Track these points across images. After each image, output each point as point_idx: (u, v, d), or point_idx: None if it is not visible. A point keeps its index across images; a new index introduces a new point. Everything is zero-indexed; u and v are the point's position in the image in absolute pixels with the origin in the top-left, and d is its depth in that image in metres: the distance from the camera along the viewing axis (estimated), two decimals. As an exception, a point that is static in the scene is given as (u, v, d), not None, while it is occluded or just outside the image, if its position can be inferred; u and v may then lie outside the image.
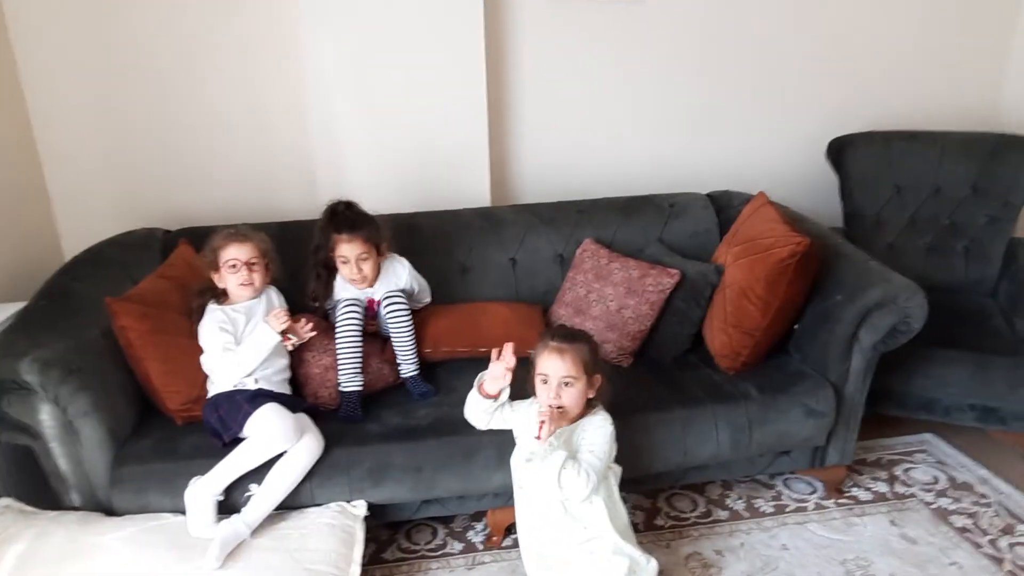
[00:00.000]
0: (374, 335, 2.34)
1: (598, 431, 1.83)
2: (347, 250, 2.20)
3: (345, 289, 2.28)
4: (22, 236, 2.48)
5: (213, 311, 2.10)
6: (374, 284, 2.29)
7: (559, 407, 1.77)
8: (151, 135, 2.63)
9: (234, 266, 2.08)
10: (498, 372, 1.82)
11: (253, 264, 2.11)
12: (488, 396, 1.86)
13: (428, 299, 2.45)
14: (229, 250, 2.09)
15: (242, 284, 2.09)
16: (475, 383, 1.90)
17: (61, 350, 1.85)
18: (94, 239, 2.38)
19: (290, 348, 2.13)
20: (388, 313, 2.22)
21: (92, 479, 1.92)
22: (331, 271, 2.28)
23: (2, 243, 2.37)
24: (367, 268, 2.22)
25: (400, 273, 2.33)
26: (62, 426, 1.86)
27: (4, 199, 2.39)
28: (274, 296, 2.22)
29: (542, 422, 1.70)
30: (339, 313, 2.19)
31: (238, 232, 2.13)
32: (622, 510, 1.91)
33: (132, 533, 1.81)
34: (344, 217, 2.23)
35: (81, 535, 1.81)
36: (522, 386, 1.87)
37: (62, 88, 2.52)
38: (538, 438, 1.70)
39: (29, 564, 1.74)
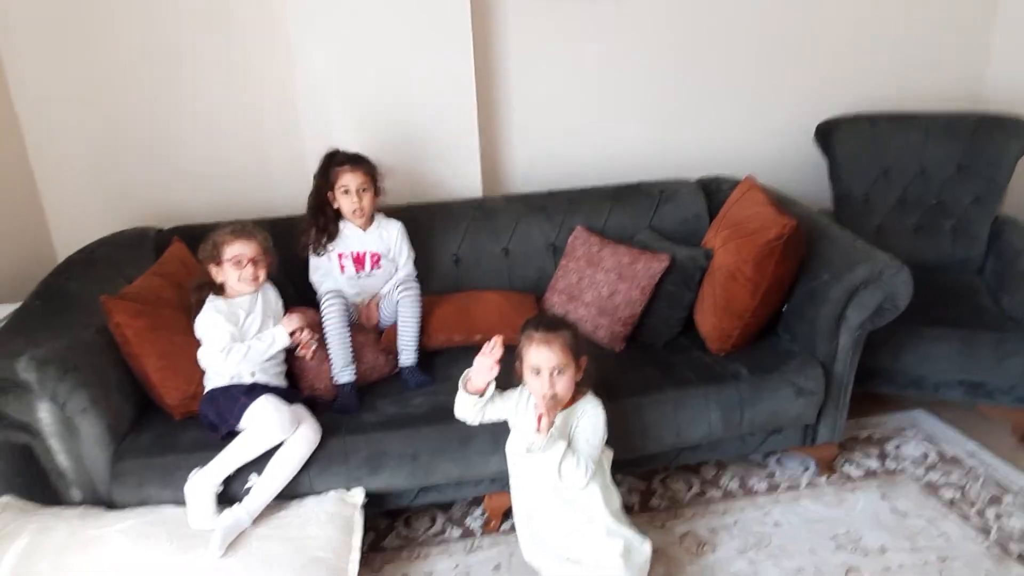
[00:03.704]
0: (372, 329, 2.37)
1: (591, 419, 1.85)
2: (349, 179, 2.28)
3: (343, 240, 2.34)
4: (15, 238, 2.49)
5: (214, 302, 2.11)
6: (368, 227, 2.37)
7: (554, 396, 1.79)
8: (141, 134, 2.64)
9: (239, 262, 2.10)
10: (485, 366, 1.82)
11: (258, 261, 2.13)
12: (475, 392, 1.87)
13: (411, 268, 2.46)
14: (235, 246, 2.10)
15: (245, 280, 2.11)
16: (460, 383, 1.90)
17: (57, 348, 1.87)
18: (86, 239, 2.39)
19: (310, 359, 2.16)
20: (402, 300, 2.27)
21: (92, 474, 1.95)
22: (336, 214, 2.35)
23: (-5, 245, 2.39)
24: (366, 200, 2.31)
25: (391, 229, 2.41)
26: (61, 423, 1.88)
27: (-4, 201, 2.41)
28: (271, 293, 2.24)
29: (540, 415, 1.72)
30: (322, 307, 2.22)
31: (244, 229, 2.14)
32: (616, 494, 1.95)
33: (133, 525, 1.83)
34: (346, 154, 2.33)
35: (82, 528, 1.83)
36: (510, 375, 1.90)
37: (51, 90, 2.53)
38: (538, 431, 1.72)
39: (32, 558, 1.76)
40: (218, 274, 2.13)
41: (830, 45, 3.12)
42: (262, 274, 2.15)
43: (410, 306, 2.27)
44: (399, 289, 2.29)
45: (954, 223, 2.91)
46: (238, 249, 2.10)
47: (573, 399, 1.87)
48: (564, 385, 1.80)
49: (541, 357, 1.79)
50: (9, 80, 2.50)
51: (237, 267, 2.10)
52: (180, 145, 2.69)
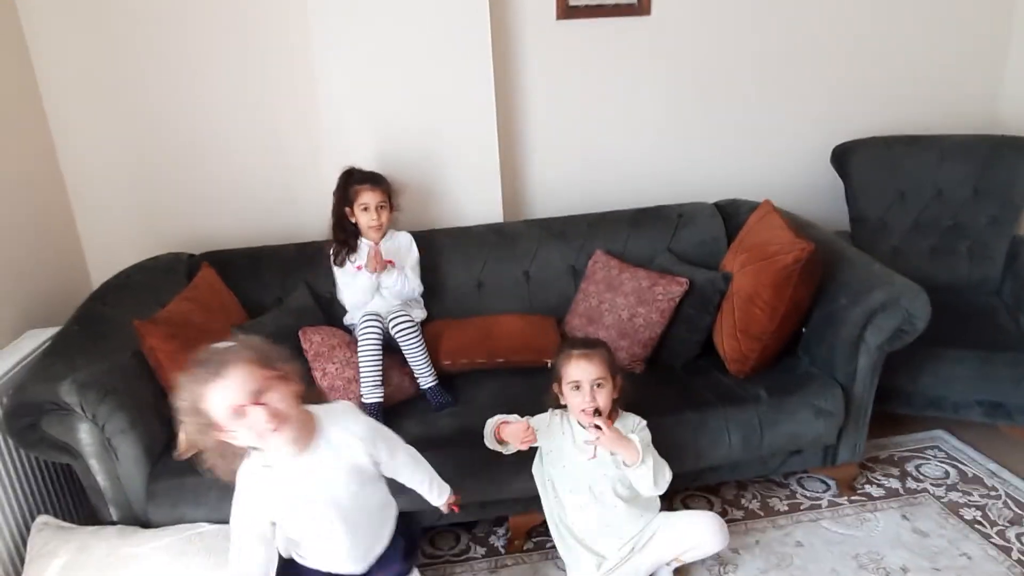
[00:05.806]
0: (397, 350, 2.42)
1: (643, 433, 1.94)
2: (369, 197, 2.43)
3: (360, 253, 2.47)
4: (52, 264, 2.57)
5: (247, 474, 1.51)
6: (380, 241, 2.48)
7: (596, 409, 1.86)
8: (173, 163, 2.73)
9: (239, 413, 1.34)
10: (517, 437, 1.91)
11: (262, 401, 1.35)
12: (501, 441, 1.97)
13: (417, 282, 2.53)
14: (215, 398, 1.35)
15: (257, 440, 1.39)
16: (492, 424, 1.99)
17: (97, 372, 1.93)
18: (120, 265, 2.47)
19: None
20: (397, 333, 2.31)
21: (129, 494, 2.00)
22: (355, 231, 2.49)
23: (33, 271, 2.46)
24: (384, 216, 2.46)
25: (402, 238, 2.55)
26: (100, 444, 1.94)
27: (33, 229, 2.48)
28: (343, 460, 1.52)
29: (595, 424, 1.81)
30: (360, 327, 2.27)
31: (209, 365, 1.36)
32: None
33: (170, 543, 1.88)
34: (364, 173, 2.49)
35: (121, 546, 1.88)
36: (540, 398, 1.96)
37: (86, 120, 2.62)
38: (600, 429, 1.81)
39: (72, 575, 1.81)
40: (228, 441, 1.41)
41: (846, 69, 3.15)
42: (285, 429, 1.38)
43: (408, 340, 2.31)
44: (391, 323, 2.31)
45: (970, 244, 2.93)
46: (220, 399, 1.34)
47: (611, 418, 1.93)
48: (603, 399, 1.86)
49: (580, 371, 1.85)
50: (46, 108, 2.59)
51: (241, 421, 1.36)
52: (209, 173, 2.76)
